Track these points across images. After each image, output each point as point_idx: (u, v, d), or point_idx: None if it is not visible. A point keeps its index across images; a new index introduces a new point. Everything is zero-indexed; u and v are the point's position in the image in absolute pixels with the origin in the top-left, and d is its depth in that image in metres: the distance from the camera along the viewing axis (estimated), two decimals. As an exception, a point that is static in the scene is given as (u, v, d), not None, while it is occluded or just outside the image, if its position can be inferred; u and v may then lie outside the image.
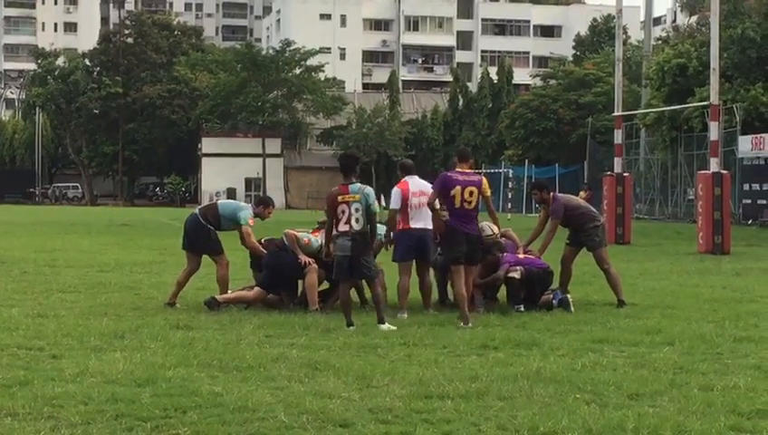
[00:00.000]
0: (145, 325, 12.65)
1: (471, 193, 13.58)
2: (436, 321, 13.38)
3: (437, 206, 13.61)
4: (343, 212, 12.98)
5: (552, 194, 15.80)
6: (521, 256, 15.03)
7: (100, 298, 15.78)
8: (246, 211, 14.98)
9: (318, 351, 10.98)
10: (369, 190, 13.14)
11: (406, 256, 14.28)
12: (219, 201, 16.42)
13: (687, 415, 7.99)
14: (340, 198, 13.06)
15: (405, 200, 14.18)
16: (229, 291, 15.05)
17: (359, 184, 13.14)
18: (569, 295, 14.94)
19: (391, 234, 14.40)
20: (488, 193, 14.02)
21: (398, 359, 10.59)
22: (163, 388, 8.88)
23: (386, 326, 12.67)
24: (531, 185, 14.83)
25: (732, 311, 14.73)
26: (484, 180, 14.07)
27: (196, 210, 15.58)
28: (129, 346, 11.14)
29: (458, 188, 13.53)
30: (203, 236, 15.02)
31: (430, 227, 14.07)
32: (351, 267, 12.99)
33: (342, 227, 12.98)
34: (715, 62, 30.49)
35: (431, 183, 14.25)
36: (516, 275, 14.55)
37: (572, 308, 14.53)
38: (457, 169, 13.93)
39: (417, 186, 14.39)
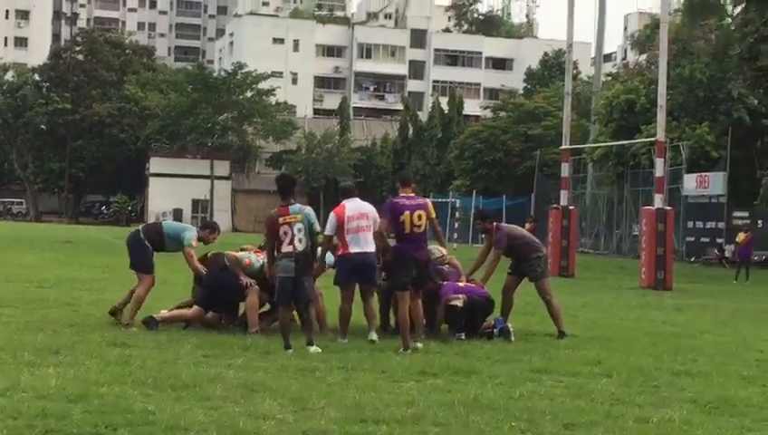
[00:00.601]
0: (81, 342, 12.50)
1: (419, 217, 13.52)
2: (375, 346, 13.32)
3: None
4: (285, 233, 12.92)
5: (495, 224, 15.81)
6: (462, 284, 15.01)
7: (38, 314, 15.58)
8: (191, 232, 14.86)
9: (255, 372, 10.88)
10: (310, 210, 13.18)
11: (347, 280, 13.95)
12: (164, 221, 16.31)
13: (622, 446, 7.99)
14: (281, 219, 13.00)
15: (341, 225, 13.79)
16: (164, 311, 14.91)
17: (298, 205, 13.13)
18: (509, 325, 14.95)
19: (332, 259, 14.36)
20: (433, 215, 13.97)
21: (336, 382, 10.53)
22: (95, 404, 8.76)
23: (314, 348, 12.63)
24: (475, 214, 14.75)
25: (671, 345, 14.80)
26: (429, 203, 14.04)
27: (139, 227, 15.45)
28: (63, 362, 10.98)
29: (407, 213, 13.47)
30: (139, 252, 14.85)
31: (371, 250, 13.78)
32: (294, 289, 12.92)
33: (286, 249, 12.92)
34: (662, 100, 30.79)
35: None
36: (459, 303, 14.53)
37: (513, 337, 14.55)
38: (402, 195, 13.87)
39: (356, 209, 13.97)
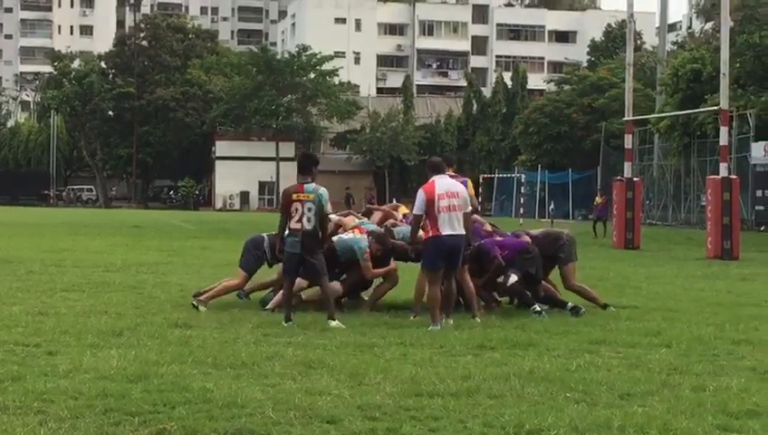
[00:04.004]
0: (144, 323, 12.66)
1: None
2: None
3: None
4: (296, 210, 13.04)
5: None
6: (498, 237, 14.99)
7: (103, 297, 15.80)
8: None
9: (314, 349, 10.97)
10: (323, 191, 13.12)
11: (435, 265, 13.03)
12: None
13: (676, 414, 7.97)
14: (294, 196, 13.13)
15: (430, 203, 12.88)
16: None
17: (314, 184, 13.16)
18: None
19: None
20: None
21: (393, 358, 10.59)
22: (154, 384, 8.89)
23: (335, 323, 12.72)
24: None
25: (733, 314, 14.69)
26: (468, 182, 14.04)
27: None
28: (125, 344, 11.15)
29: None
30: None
31: (463, 232, 12.99)
32: (300, 265, 13.10)
33: (294, 226, 13.06)
34: (725, 67, 30.45)
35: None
36: (512, 280, 14.44)
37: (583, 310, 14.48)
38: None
39: (446, 186, 13.04)
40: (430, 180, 13.10)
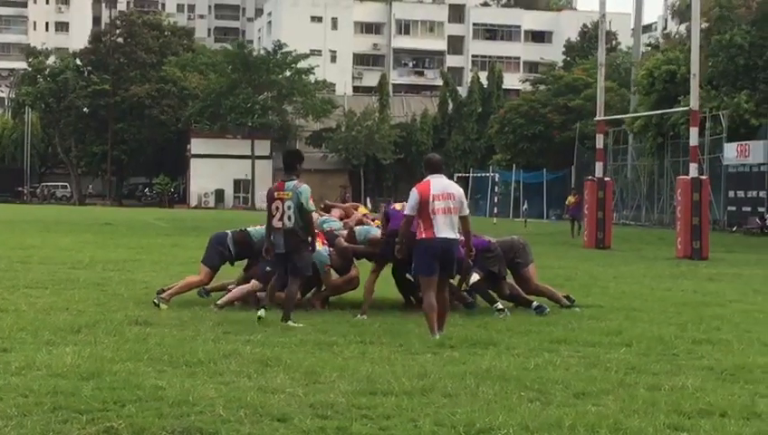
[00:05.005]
0: (103, 321, 12.56)
1: None
2: (396, 319, 13.33)
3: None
4: (277, 208, 13.04)
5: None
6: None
7: (66, 294, 15.68)
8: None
9: (273, 347, 10.91)
10: (303, 188, 13.05)
11: (429, 269, 12.08)
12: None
13: (629, 414, 7.95)
14: (276, 194, 13.12)
15: (424, 204, 12.07)
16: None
17: (294, 182, 13.10)
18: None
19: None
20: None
21: (352, 356, 10.53)
22: (107, 382, 8.81)
23: (292, 323, 12.69)
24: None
25: (697, 314, 14.71)
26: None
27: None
28: (81, 341, 11.06)
29: None
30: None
31: (457, 236, 12.29)
32: (287, 263, 13.08)
33: (276, 224, 13.05)
34: (695, 68, 30.56)
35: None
36: (474, 278, 14.43)
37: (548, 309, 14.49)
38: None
39: (442, 187, 12.22)
40: (425, 180, 12.30)
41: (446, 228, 12.00)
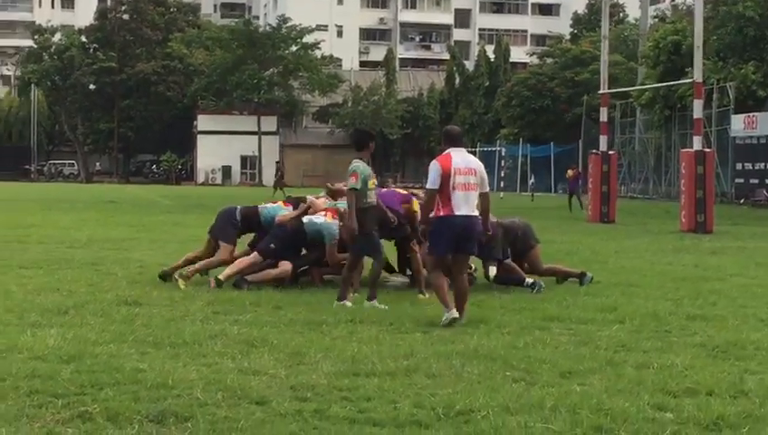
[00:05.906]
0: (92, 301, 12.43)
1: None
2: (389, 297, 13.19)
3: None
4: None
5: None
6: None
7: (59, 274, 15.53)
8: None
9: (261, 327, 10.75)
10: (354, 166, 12.63)
11: (444, 249, 11.50)
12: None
13: (613, 393, 7.80)
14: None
15: (446, 178, 11.38)
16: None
17: (356, 162, 12.74)
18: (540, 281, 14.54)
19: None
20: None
21: (340, 336, 10.39)
22: (86, 364, 8.67)
23: (377, 304, 12.48)
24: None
25: (695, 289, 14.56)
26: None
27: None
28: (68, 323, 10.92)
29: None
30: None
31: (476, 214, 11.56)
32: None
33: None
34: (698, 40, 30.34)
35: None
36: (493, 271, 14.30)
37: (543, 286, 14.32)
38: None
39: (464, 161, 11.53)
40: (446, 152, 11.53)
41: (465, 206, 11.33)
